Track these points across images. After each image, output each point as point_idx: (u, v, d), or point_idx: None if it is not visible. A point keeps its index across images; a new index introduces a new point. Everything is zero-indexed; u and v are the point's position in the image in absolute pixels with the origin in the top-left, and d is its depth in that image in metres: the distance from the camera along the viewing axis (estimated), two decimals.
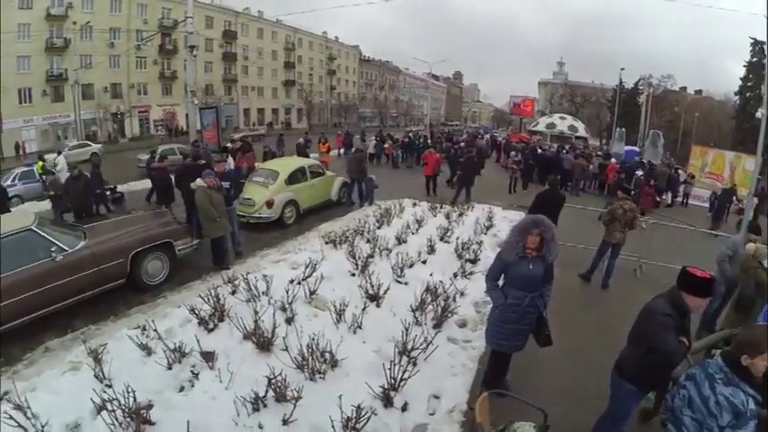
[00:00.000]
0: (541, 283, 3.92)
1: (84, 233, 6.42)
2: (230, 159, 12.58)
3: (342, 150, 25.17)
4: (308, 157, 16.79)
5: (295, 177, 10.71)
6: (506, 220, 10.69)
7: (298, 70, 64.37)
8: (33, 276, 5.46)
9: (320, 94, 67.91)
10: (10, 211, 9.44)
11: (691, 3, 24.93)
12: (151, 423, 3.74)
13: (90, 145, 30.37)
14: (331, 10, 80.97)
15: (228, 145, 16.58)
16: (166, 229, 7.12)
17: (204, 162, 9.37)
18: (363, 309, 5.29)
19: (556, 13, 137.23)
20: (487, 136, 36.57)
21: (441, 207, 11.18)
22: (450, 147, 20.03)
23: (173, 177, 10.38)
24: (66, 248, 5.82)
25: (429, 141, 23.16)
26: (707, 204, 19.33)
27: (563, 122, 45.56)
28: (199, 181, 7.16)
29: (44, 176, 15.60)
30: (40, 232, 5.76)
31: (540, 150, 22.09)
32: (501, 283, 4.04)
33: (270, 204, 9.77)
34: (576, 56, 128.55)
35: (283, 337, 4.49)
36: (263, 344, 4.56)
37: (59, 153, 16.94)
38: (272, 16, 57.47)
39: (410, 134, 24.53)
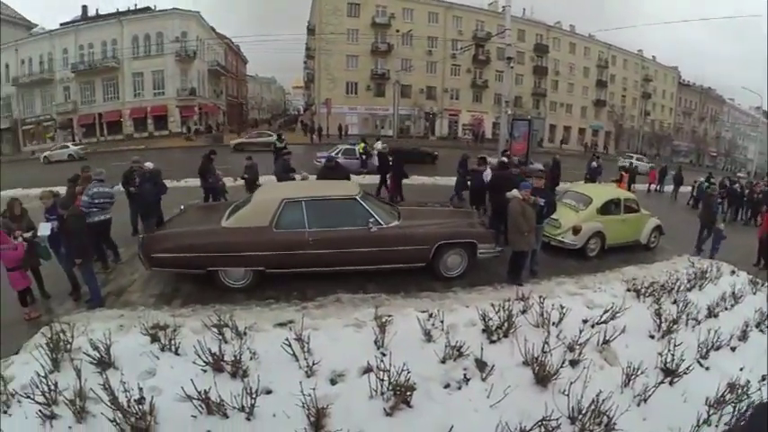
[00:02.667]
0: None
1: (400, 214, 7.40)
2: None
3: (656, 187, 23.24)
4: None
5: (608, 208, 9.96)
6: None
7: (610, 90, 60.58)
8: (348, 237, 6.68)
9: (632, 118, 62.18)
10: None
11: None
12: (409, 405, 4.02)
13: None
14: (646, 27, 71.57)
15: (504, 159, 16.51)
16: (475, 230, 7.55)
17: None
18: (659, 384, 4.55)
19: None
20: None
21: (764, 284, 8.84)
22: None
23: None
24: (382, 223, 6.84)
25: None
26: None
27: None
28: (515, 192, 7.32)
29: (363, 155, 18.94)
30: (363, 203, 6.94)
31: None
32: None
33: (576, 231, 9.26)
34: None
35: (571, 382, 4.20)
36: (543, 378, 4.41)
37: (378, 139, 20.16)
38: (585, 31, 56.41)
39: (737, 183, 20.17)
